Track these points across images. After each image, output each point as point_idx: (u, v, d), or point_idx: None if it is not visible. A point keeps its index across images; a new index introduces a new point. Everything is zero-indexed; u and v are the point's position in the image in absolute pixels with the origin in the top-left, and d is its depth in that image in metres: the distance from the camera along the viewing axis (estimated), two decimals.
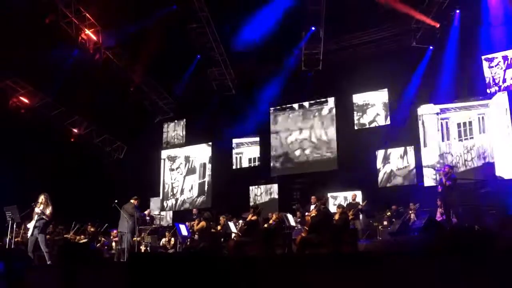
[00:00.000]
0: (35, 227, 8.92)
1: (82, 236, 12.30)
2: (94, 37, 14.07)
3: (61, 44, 13.89)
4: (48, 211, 9.02)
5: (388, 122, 14.70)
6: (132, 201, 11.08)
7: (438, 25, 13.22)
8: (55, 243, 10.97)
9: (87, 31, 13.87)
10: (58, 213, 9.65)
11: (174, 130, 18.72)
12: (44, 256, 9.03)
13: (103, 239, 12.42)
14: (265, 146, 16.59)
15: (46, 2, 12.84)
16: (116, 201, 10.96)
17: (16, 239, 10.10)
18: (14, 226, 9.66)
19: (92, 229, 12.47)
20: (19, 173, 14.35)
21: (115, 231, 12.02)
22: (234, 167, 17.05)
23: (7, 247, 9.81)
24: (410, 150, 14.19)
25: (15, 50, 13.37)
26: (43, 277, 6.99)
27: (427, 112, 14.08)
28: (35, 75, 14.83)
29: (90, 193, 15.80)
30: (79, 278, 5.75)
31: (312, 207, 9.54)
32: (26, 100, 15.31)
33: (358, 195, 13.39)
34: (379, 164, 14.57)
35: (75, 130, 16.98)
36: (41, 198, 9.10)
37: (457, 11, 13.18)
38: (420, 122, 14.13)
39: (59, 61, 14.31)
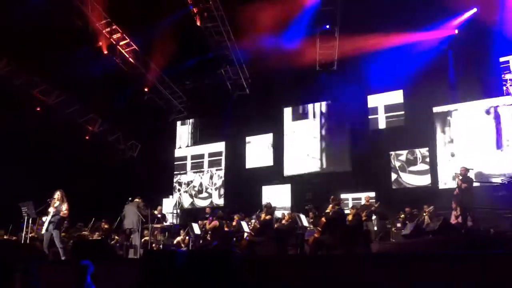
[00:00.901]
0: (50, 222, 9.01)
1: (97, 233, 12.37)
2: (110, 37, 14.16)
3: (77, 43, 14.02)
4: (63, 207, 9.10)
5: (403, 123, 14.56)
6: (136, 199, 11.20)
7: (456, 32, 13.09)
8: (71, 239, 11.05)
9: (104, 31, 13.96)
10: (74, 209, 9.73)
11: (188, 129, 18.78)
12: (59, 252, 9.12)
13: (116, 237, 12.47)
14: (278, 145, 16.55)
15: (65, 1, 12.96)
16: (130, 198, 11.05)
17: (31, 235, 10.20)
18: (30, 222, 9.75)
19: (106, 226, 12.54)
20: (34, 169, 14.51)
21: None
22: (247, 166, 17.05)
23: (22, 242, 9.92)
24: (425, 151, 14.04)
25: (32, 48, 13.56)
26: (58, 273, 7.07)
27: (443, 113, 13.92)
28: (51, 73, 15.00)
29: (104, 191, 15.92)
30: (92, 274, 5.79)
31: (330, 207, 9.48)
32: (42, 98, 15.47)
33: (372, 197, 13.29)
34: (393, 166, 14.44)
35: (90, 128, 17.14)
36: (57, 195, 9.19)
37: (474, 9, 13.01)
38: (435, 123, 13.97)
39: (76, 59, 14.44)
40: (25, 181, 13.33)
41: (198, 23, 14.12)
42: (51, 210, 9.08)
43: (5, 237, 11.33)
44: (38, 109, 15.86)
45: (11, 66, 14.48)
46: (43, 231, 9.22)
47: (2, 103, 14.17)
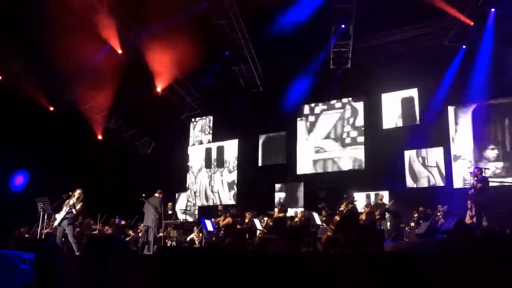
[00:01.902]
0: (64, 218, 9.15)
1: (110, 229, 12.48)
2: (125, 34, 14.25)
3: (92, 40, 14.13)
4: (78, 206, 9.25)
5: (418, 121, 14.44)
6: (156, 194, 11.21)
7: (472, 23, 12.86)
8: (84, 235, 11.19)
9: (119, 27, 14.05)
10: (88, 205, 9.86)
11: (201, 126, 18.84)
12: (73, 247, 9.25)
13: (131, 232, 12.58)
14: (291, 143, 16.53)
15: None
16: (143, 195, 11.12)
17: (46, 230, 10.32)
18: (45, 217, 9.88)
19: (122, 222, 12.65)
20: (49, 165, 14.69)
21: (142, 225, 12.19)
22: (259, 164, 17.06)
23: (37, 237, 10.05)
24: (440, 150, 13.92)
25: (48, 47, 13.70)
26: (72, 268, 7.16)
27: (458, 112, 13.78)
28: (67, 71, 15.15)
29: (118, 187, 16.07)
30: (106, 269, 5.85)
31: (343, 206, 9.44)
32: (57, 95, 15.67)
33: (385, 196, 13.23)
34: (407, 165, 14.34)
35: (104, 125, 17.30)
36: (77, 193, 9.35)
37: (492, 9, 12.82)
38: (450, 122, 13.83)
39: (90, 56, 14.57)
40: (41, 176, 13.53)
41: (212, 22, 14.17)
42: (67, 206, 9.21)
43: (26, 235, 11.49)
44: (51, 108, 16.06)
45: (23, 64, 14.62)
46: (55, 224, 9.36)
47: (13, 102, 14.35)
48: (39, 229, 9.91)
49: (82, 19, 13.20)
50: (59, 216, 9.30)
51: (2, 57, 14.12)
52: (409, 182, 14.22)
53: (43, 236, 9.91)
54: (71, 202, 9.27)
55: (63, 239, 9.62)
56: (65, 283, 6.64)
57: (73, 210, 9.22)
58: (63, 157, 15.22)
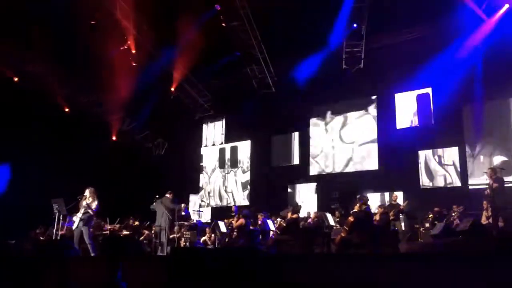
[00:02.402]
0: (80, 219, 9.22)
1: (125, 230, 12.57)
2: (139, 36, 14.36)
3: (106, 42, 14.26)
4: (94, 205, 9.30)
5: (432, 121, 14.30)
6: (167, 195, 11.26)
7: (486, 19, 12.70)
8: (97, 236, 11.27)
9: (133, 30, 14.16)
10: (102, 207, 9.92)
11: (214, 127, 18.89)
12: (89, 248, 9.31)
13: (146, 231, 12.64)
14: (304, 144, 16.50)
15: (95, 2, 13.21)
16: (157, 196, 11.18)
17: (61, 232, 10.41)
18: (60, 219, 9.97)
19: (136, 223, 12.73)
20: (64, 166, 14.86)
21: (154, 226, 12.24)
22: (272, 165, 17.05)
23: (53, 238, 10.16)
24: (455, 150, 13.77)
25: (61, 49, 13.87)
26: (88, 268, 7.21)
27: (472, 111, 13.64)
28: (80, 72, 15.33)
29: (132, 188, 16.18)
30: (122, 270, 5.88)
31: (357, 206, 9.41)
32: (72, 98, 15.84)
33: (399, 196, 13.13)
34: (421, 165, 14.22)
35: (118, 126, 17.45)
36: (87, 192, 9.40)
37: (507, 5, 12.64)
38: (465, 121, 13.69)
39: (104, 58, 14.70)
40: (56, 178, 13.67)
41: (223, 23, 14.21)
42: (82, 207, 9.29)
43: (41, 237, 11.61)
44: (67, 109, 16.24)
45: (41, 67, 14.82)
46: (74, 227, 9.44)
47: (30, 103, 14.53)
48: (54, 230, 10.01)
49: (99, 21, 13.35)
50: (76, 218, 9.38)
51: (18, 59, 14.33)
52: (425, 182, 14.07)
53: (58, 237, 10.02)
54: (86, 202, 9.34)
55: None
56: (81, 284, 6.69)
57: (89, 211, 9.29)
58: (78, 159, 15.38)
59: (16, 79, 14.76)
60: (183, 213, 12.81)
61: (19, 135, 14.70)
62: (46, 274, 6.42)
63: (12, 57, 14.27)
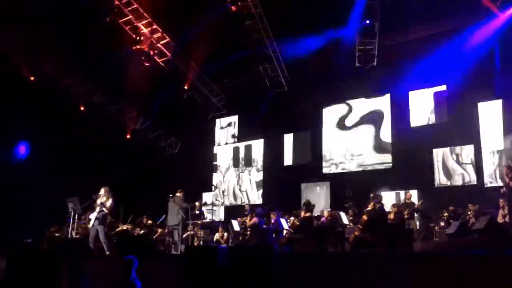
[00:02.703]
0: (96, 218, 9.30)
1: (138, 229, 12.64)
2: (150, 35, 14.43)
3: (119, 42, 14.37)
4: (108, 203, 9.37)
5: (447, 119, 14.15)
6: (177, 194, 11.29)
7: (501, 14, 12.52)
8: (112, 235, 11.34)
9: (144, 29, 14.24)
10: (117, 205, 10.00)
11: (227, 126, 18.92)
12: (103, 247, 9.39)
13: (160, 230, 12.70)
14: (317, 142, 16.44)
15: (106, 2, 13.31)
16: (170, 195, 11.23)
17: (77, 231, 10.49)
18: (76, 217, 10.05)
19: (149, 222, 12.80)
20: (78, 165, 15.00)
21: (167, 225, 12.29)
22: (285, 164, 17.03)
23: (68, 237, 10.25)
24: (470, 148, 13.61)
25: (77, 49, 14.01)
26: (103, 267, 7.29)
27: (488, 109, 13.47)
28: (94, 72, 15.47)
29: (145, 187, 16.28)
30: (136, 268, 5.92)
31: (370, 205, 9.36)
32: (86, 97, 15.97)
33: (413, 195, 13.02)
34: (436, 163, 14.08)
35: (132, 125, 17.58)
36: (102, 191, 9.47)
37: None
38: (481, 118, 13.51)
39: (117, 58, 14.82)
40: (71, 177, 13.80)
41: (237, 21, 14.22)
42: (97, 205, 9.37)
43: (56, 234, 11.73)
44: (82, 108, 16.39)
45: (57, 67, 15.01)
46: (89, 226, 9.52)
47: (46, 103, 14.68)
48: (69, 229, 10.10)
49: (110, 21, 13.45)
50: (92, 216, 9.46)
51: (34, 59, 14.50)
52: (441, 180, 13.92)
53: (73, 236, 10.11)
54: (101, 201, 9.41)
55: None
56: (95, 282, 6.76)
57: (104, 209, 9.36)
58: (92, 157, 15.52)
59: (32, 78, 14.92)
60: (197, 212, 12.87)
61: (34, 134, 14.90)
62: (61, 272, 6.49)
63: (29, 57, 14.42)
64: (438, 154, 14.09)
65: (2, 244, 9.48)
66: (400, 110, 14.95)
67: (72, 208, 9.97)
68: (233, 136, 18.66)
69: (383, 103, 15.37)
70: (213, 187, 18.48)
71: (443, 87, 14.35)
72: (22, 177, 13.94)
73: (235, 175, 18.24)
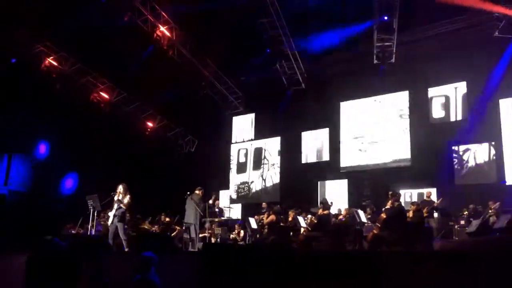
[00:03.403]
0: (114, 215, 9.39)
1: (156, 226, 12.74)
2: (168, 34, 14.50)
3: (137, 41, 14.48)
4: (126, 200, 9.45)
5: (467, 116, 13.94)
6: (196, 191, 11.32)
7: None
8: (132, 232, 11.45)
9: (162, 28, 14.32)
10: (135, 203, 10.07)
11: (244, 124, 18.93)
12: (122, 243, 9.48)
13: (177, 228, 12.78)
14: (334, 140, 16.35)
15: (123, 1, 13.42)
16: (188, 193, 11.27)
17: (97, 228, 10.62)
18: (95, 214, 10.17)
19: (167, 220, 12.88)
20: (97, 164, 15.17)
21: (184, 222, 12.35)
22: (303, 161, 16.98)
23: (88, 233, 10.39)
24: (491, 145, 13.38)
25: (95, 49, 14.14)
26: (122, 264, 7.34)
27: (510, 106, 13.21)
28: (112, 71, 15.60)
29: (163, 185, 16.39)
30: (155, 265, 5.95)
31: (389, 203, 9.27)
32: (105, 95, 16.11)
33: (433, 193, 12.86)
34: (455, 160, 13.88)
35: (150, 124, 17.70)
36: (120, 188, 9.56)
37: None
38: (502, 116, 13.27)
39: (135, 58, 14.93)
40: (90, 175, 13.98)
41: (254, 18, 14.19)
42: (115, 203, 9.46)
43: (72, 231, 11.89)
44: (102, 105, 16.55)
45: (78, 65, 15.18)
46: (109, 223, 9.63)
47: (66, 102, 14.87)
48: (89, 226, 10.23)
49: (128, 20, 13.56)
50: (111, 214, 9.56)
51: (57, 58, 14.69)
52: (460, 178, 13.73)
53: (92, 233, 10.24)
54: (119, 198, 9.50)
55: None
56: (114, 278, 6.81)
57: (122, 206, 9.45)
58: (110, 156, 15.68)
59: (54, 75, 15.11)
60: (216, 209, 12.90)
61: (54, 133, 15.11)
62: (80, 269, 6.56)
63: (48, 57, 14.61)
64: (458, 151, 13.89)
65: (23, 241, 9.62)
66: (419, 107, 14.79)
67: (92, 205, 10.09)
68: (250, 134, 18.67)
69: (401, 100, 15.20)
70: (229, 185, 18.52)
71: (463, 83, 14.14)
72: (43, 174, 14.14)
73: (252, 173, 18.24)
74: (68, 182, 15.16)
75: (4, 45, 13.12)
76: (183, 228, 12.39)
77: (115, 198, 9.55)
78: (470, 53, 13.20)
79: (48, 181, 14.34)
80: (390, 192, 9.93)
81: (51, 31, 13.64)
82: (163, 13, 14.17)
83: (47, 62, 14.61)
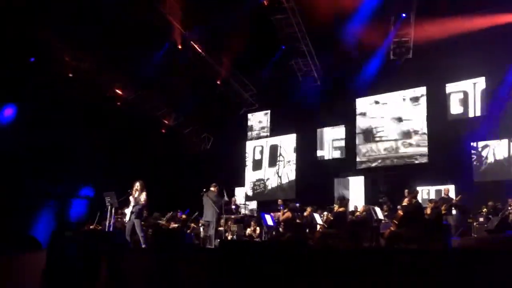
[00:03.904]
0: (131, 212, 9.48)
1: (173, 223, 12.82)
2: (184, 31, 14.55)
3: (152, 39, 14.55)
4: (142, 197, 9.53)
5: (486, 112, 13.72)
6: (212, 188, 11.35)
7: None
8: (149, 228, 11.54)
9: (178, 26, 14.36)
10: (151, 200, 10.14)
11: (259, 121, 18.94)
12: (139, 240, 9.56)
13: (193, 225, 12.85)
14: (350, 137, 16.25)
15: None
16: (204, 189, 11.32)
17: (113, 221, 10.69)
18: (113, 211, 10.26)
19: (183, 216, 12.95)
20: (114, 162, 15.30)
21: (202, 219, 12.39)
22: (318, 158, 16.92)
23: (106, 230, 10.48)
24: (510, 141, 13.16)
25: (112, 46, 14.24)
26: (139, 260, 7.41)
27: None
28: (129, 69, 15.70)
29: (179, 182, 16.49)
30: (171, 262, 5.99)
31: (406, 200, 9.18)
32: (120, 92, 16.25)
33: (451, 190, 12.71)
34: (474, 157, 13.68)
35: (166, 121, 17.81)
36: (137, 185, 9.64)
37: None
38: None
39: (151, 56, 15.01)
40: (106, 173, 14.09)
41: (269, 15, 14.17)
42: (132, 200, 9.54)
43: (91, 226, 12.02)
44: (119, 103, 16.70)
45: (93, 64, 15.32)
46: (126, 220, 9.72)
47: (85, 100, 15.01)
48: (107, 223, 10.32)
49: (144, 17, 13.63)
50: (128, 211, 9.65)
51: (76, 56, 14.84)
52: (479, 175, 13.53)
53: (111, 229, 10.33)
54: (135, 195, 9.58)
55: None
56: (131, 275, 6.88)
57: (140, 203, 9.53)
58: (127, 153, 15.80)
59: (71, 74, 15.26)
60: (233, 206, 12.93)
61: (70, 130, 15.25)
62: (98, 265, 6.63)
63: (68, 56, 14.76)
64: (477, 147, 13.70)
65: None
66: (437, 102, 14.63)
67: (109, 202, 10.17)
68: (266, 131, 18.67)
69: (419, 96, 15.03)
70: (245, 182, 18.54)
71: (481, 79, 13.92)
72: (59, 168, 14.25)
73: (268, 170, 18.24)
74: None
75: (23, 44, 13.26)
76: (200, 224, 12.46)
77: (132, 195, 9.62)
78: (489, 48, 12.98)
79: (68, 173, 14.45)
80: (407, 189, 9.86)
81: (71, 31, 13.76)
82: (178, 11, 14.20)
83: (66, 59, 14.77)
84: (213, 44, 15.76)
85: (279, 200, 14.83)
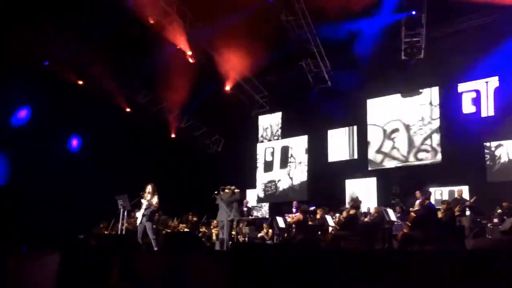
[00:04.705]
0: (143, 215, 9.52)
1: (184, 225, 12.86)
2: (193, 34, 14.59)
3: (162, 41, 14.59)
4: (154, 200, 9.57)
5: (499, 111, 13.56)
6: (226, 190, 11.35)
7: None
8: (160, 231, 11.59)
9: (187, 28, 14.41)
10: (163, 202, 10.17)
11: (270, 123, 18.93)
12: (151, 242, 9.60)
13: (204, 229, 12.89)
14: (362, 138, 16.17)
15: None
16: (216, 192, 11.32)
17: (125, 225, 10.76)
18: (125, 214, 10.32)
19: (194, 219, 12.98)
20: (125, 164, 15.39)
21: (215, 221, 12.41)
22: (329, 160, 16.85)
23: (118, 233, 10.54)
24: None
25: (119, 50, 14.33)
26: (151, 262, 7.43)
27: None
28: (139, 73, 15.79)
29: (191, 184, 16.52)
30: (183, 264, 6.00)
31: (417, 202, 9.11)
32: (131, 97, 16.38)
33: (464, 191, 12.57)
34: (488, 157, 13.53)
35: (176, 124, 17.89)
36: (148, 188, 9.68)
37: None
38: None
39: (160, 58, 15.05)
40: (118, 175, 14.17)
41: (279, 17, 14.15)
42: (144, 203, 9.59)
43: (105, 232, 12.08)
44: (128, 109, 16.80)
45: (105, 72, 15.42)
46: (138, 223, 9.76)
47: (98, 105, 15.12)
48: (119, 226, 10.38)
49: (154, 20, 13.68)
50: (139, 214, 9.69)
51: (83, 62, 14.95)
52: (493, 175, 13.36)
53: (123, 232, 10.38)
54: (147, 198, 9.62)
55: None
56: (143, 276, 6.90)
57: (151, 206, 9.58)
58: (139, 156, 15.89)
59: (80, 82, 15.39)
60: (245, 208, 12.92)
61: (83, 134, 15.40)
62: (111, 268, 6.67)
63: (75, 61, 14.87)
64: (490, 147, 13.55)
65: (55, 239, 9.83)
66: (449, 103, 14.48)
67: (122, 205, 10.23)
68: (277, 133, 18.66)
69: (431, 96, 14.91)
70: (256, 183, 18.54)
71: (494, 78, 13.77)
72: (74, 173, 14.37)
73: (279, 171, 18.22)
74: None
75: (38, 48, 13.39)
76: (211, 227, 12.46)
77: (144, 198, 9.67)
78: (502, 47, 12.84)
79: (78, 180, 14.56)
80: (419, 191, 9.78)
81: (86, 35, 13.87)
82: (187, 13, 14.26)
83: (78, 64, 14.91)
84: (223, 46, 15.76)
85: (294, 202, 14.76)
